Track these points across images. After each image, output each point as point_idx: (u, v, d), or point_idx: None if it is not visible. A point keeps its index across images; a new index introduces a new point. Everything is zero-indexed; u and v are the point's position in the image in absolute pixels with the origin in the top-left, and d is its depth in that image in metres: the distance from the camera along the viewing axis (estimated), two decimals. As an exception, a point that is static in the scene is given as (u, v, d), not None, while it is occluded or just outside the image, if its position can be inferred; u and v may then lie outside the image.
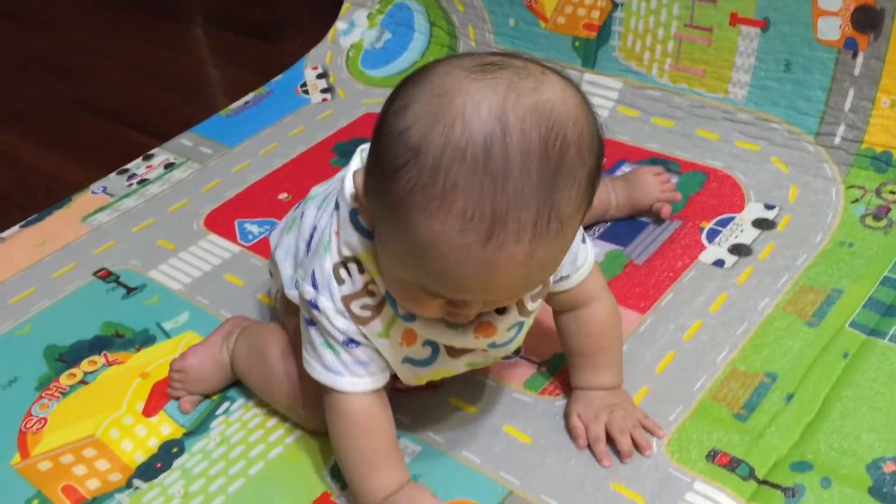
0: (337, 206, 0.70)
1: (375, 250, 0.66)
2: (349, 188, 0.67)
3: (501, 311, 0.68)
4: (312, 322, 0.71)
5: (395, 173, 0.56)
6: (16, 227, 1.14)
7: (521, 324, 0.72)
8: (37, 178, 1.31)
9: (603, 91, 1.23)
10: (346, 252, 0.68)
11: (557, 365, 0.85)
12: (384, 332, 0.69)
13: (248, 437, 0.82)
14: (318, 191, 0.82)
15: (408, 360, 0.72)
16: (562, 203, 0.56)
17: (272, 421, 0.83)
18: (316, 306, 0.69)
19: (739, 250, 0.97)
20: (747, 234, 0.99)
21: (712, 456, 0.75)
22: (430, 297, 0.62)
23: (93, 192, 1.20)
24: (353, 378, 0.70)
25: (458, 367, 0.74)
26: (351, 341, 0.69)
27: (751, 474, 0.73)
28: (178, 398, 0.86)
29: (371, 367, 0.70)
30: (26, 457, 0.82)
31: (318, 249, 0.70)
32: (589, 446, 0.77)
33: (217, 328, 0.88)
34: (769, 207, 1.03)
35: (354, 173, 0.64)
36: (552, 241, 0.57)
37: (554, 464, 0.76)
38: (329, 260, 0.68)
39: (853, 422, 0.76)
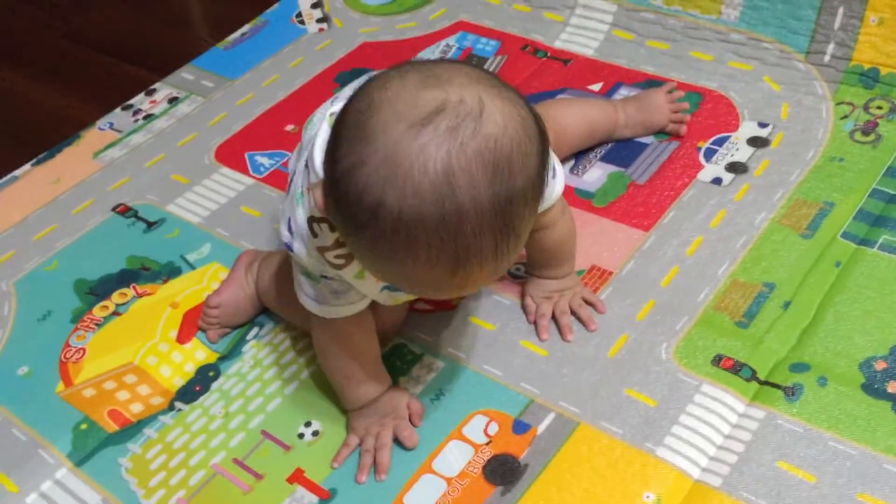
0: (308, 169, 0.72)
1: None
2: (318, 158, 0.68)
3: None
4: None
5: (359, 229, 0.59)
6: (28, 166, 1.17)
7: None
8: (40, 115, 1.33)
9: (598, 14, 1.25)
10: (317, 213, 0.71)
11: (568, 282, 0.90)
12: (359, 275, 0.73)
13: (279, 359, 0.87)
14: (315, 116, 0.84)
15: (385, 289, 0.77)
16: (516, 223, 0.60)
17: (301, 343, 0.88)
18: (291, 248, 0.74)
19: (736, 168, 1.01)
20: (743, 152, 1.03)
21: (717, 360, 0.81)
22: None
23: (100, 129, 1.22)
24: (329, 307, 0.76)
25: None
26: (324, 277, 0.75)
27: (753, 376, 0.79)
28: (206, 331, 0.90)
29: (346, 296, 0.75)
30: (70, 385, 0.87)
31: (292, 197, 0.74)
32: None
33: (235, 264, 0.92)
34: (762, 126, 1.07)
35: (313, 188, 0.65)
36: (512, 253, 0.62)
37: (570, 374, 0.82)
38: (302, 212, 0.72)
39: (846, 325, 0.82)
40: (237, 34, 1.38)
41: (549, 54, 1.23)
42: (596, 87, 1.16)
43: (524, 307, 0.88)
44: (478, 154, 0.56)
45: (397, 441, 0.77)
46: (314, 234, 0.72)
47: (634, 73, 1.18)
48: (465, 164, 0.56)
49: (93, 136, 1.21)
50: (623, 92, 1.14)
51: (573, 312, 0.86)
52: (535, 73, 1.20)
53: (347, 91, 0.76)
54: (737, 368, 0.80)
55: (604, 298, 0.88)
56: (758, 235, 0.93)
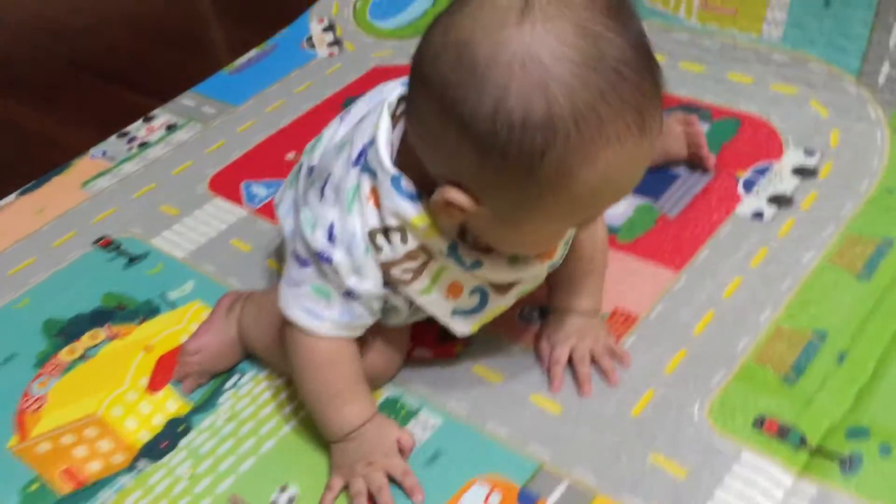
0: (368, 171, 0.64)
1: (426, 213, 0.62)
2: (385, 154, 0.63)
3: None
4: (307, 264, 0.67)
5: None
6: (13, 195, 1.09)
7: (570, 237, 0.71)
8: (34, 143, 1.26)
9: (627, 35, 1.15)
10: (392, 221, 0.64)
11: (587, 328, 0.79)
12: (427, 290, 0.67)
13: (258, 412, 0.77)
14: (316, 143, 0.76)
15: (457, 313, 0.69)
16: (654, 56, 0.56)
17: (284, 394, 0.78)
18: (328, 259, 0.65)
19: (779, 200, 0.90)
20: (787, 183, 0.92)
21: (759, 423, 0.69)
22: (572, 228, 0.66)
23: (92, 157, 1.14)
24: (335, 331, 0.67)
25: (510, 300, 0.72)
26: (350, 294, 0.66)
27: (802, 443, 0.67)
28: (182, 380, 0.80)
29: (359, 321, 0.68)
30: (25, 438, 0.77)
31: (338, 202, 0.66)
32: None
33: (216, 306, 0.83)
34: (809, 154, 0.95)
35: (445, 196, 0.58)
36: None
37: (586, 435, 0.71)
38: (360, 222, 0.64)
39: (913, 383, 0.70)
40: (244, 59, 1.31)
41: (573, 78, 1.13)
42: (623, 112, 1.06)
43: (538, 351, 0.77)
44: (590, 6, 0.53)
45: (393, 483, 0.68)
46: (377, 248, 0.64)
47: (666, 97, 1.07)
48: (589, 19, 0.53)
49: (84, 165, 1.13)
50: (653, 117, 1.04)
51: (594, 361, 0.75)
52: (557, 98, 1.10)
53: (367, 100, 0.70)
54: (783, 433, 0.68)
55: (627, 347, 0.77)
56: (805, 276, 0.81)
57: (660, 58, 1.13)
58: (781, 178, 0.93)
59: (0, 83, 1.42)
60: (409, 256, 0.65)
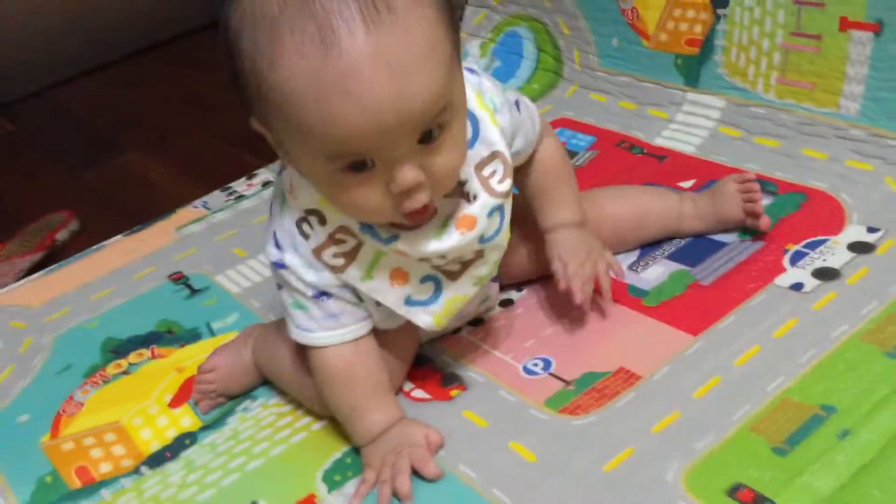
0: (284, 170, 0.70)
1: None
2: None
3: (470, 199, 0.68)
4: (280, 285, 0.72)
5: (240, 59, 0.59)
6: (118, 237, 1.21)
7: (500, 207, 0.70)
8: (163, 200, 1.39)
9: (705, 111, 1.13)
10: (307, 205, 0.68)
11: (586, 384, 0.77)
12: (367, 275, 0.69)
13: (256, 434, 0.80)
14: None
15: (413, 303, 0.71)
16: None
17: (285, 420, 0.81)
18: (283, 265, 0.70)
19: (825, 274, 0.84)
20: (839, 258, 0.86)
21: (733, 491, 0.64)
22: (355, 174, 0.59)
23: (194, 206, 1.26)
24: (325, 332, 0.71)
25: (467, 287, 0.73)
26: (322, 294, 0.70)
27: (776, 516, 0.62)
28: (199, 401, 0.85)
29: (342, 318, 0.71)
30: (55, 436, 0.85)
31: (274, 213, 0.71)
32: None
33: (240, 332, 0.88)
34: (872, 231, 0.89)
35: (252, 120, 0.64)
36: (395, 31, 0.55)
37: (553, 486, 0.68)
38: (289, 217, 0.69)
39: (918, 467, 0.63)
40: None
41: (645, 151, 1.13)
42: (687, 184, 1.04)
43: (554, 273, 0.80)
44: None
45: (415, 473, 0.70)
46: (305, 236, 0.69)
47: (734, 170, 1.04)
48: None
49: (185, 213, 1.24)
50: (715, 189, 1.01)
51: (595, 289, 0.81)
52: (624, 169, 1.09)
53: None
54: (757, 503, 0.63)
55: (623, 404, 0.74)
56: (830, 350, 0.75)
57: (736, 133, 1.12)
58: (834, 252, 0.87)
59: (156, 148, 1.60)
60: (334, 239, 0.68)
